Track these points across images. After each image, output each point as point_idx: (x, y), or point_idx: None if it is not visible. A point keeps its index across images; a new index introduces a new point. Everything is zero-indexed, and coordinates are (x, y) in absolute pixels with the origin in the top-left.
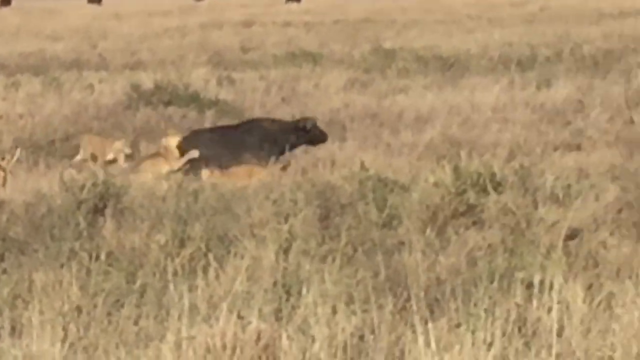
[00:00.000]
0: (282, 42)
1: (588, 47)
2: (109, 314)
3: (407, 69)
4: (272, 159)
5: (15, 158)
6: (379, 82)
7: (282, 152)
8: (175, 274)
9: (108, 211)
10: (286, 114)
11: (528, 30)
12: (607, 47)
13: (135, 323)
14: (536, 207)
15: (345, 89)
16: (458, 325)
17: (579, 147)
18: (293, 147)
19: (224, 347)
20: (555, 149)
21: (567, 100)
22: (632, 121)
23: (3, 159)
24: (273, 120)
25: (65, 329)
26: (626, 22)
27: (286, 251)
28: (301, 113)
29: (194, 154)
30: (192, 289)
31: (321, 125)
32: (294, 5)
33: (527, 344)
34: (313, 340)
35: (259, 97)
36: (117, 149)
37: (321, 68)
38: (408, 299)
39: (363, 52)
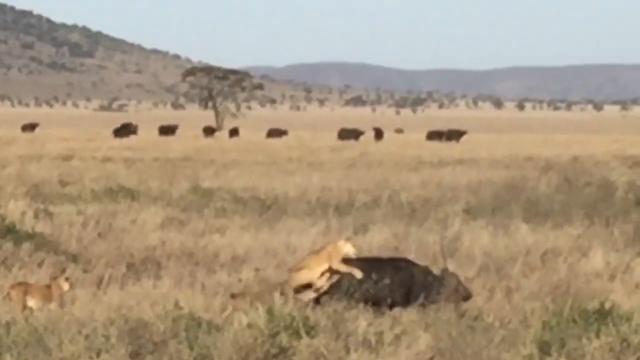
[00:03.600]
0: (101, 177)
1: (406, 194)
2: None
3: (225, 208)
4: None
5: None
6: (196, 221)
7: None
8: None
9: None
10: (102, 249)
11: (347, 175)
12: (425, 195)
13: None
14: (348, 352)
15: (162, 227)
16: None
17: None
18: (428, 297)
19: None
20: None
21: (383, 246)
22: None
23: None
24: (423, 267)
25: None
26: (444, 171)
27: None
28: (117, 249)
29: (357, 273)
30: None
31: (136, 262)
32: (115, 141)
33: None
34: None
35: (76, 232)
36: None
37: (139, 205)
38: None
39: (181, 191)
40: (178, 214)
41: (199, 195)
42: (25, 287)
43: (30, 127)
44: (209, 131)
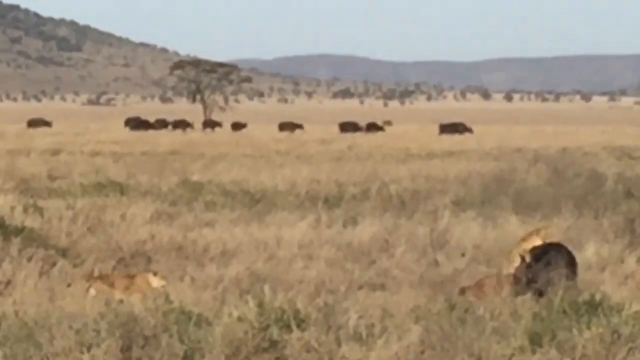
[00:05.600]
0: (89, 171)
1: (395, 186)
2: None
3: (215, 202)
4: None
5: None
6: (185, 214)
7: None
8: None
9: None
10: (91, 244)
11: (336, 168)
12: (414, 188)
13: None
14: (339, 345)
15: (151, 221)
16: None
17: (383, 287)
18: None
19: None
20: (360, 287)
21: (373, 239)
22: (436, 262)
23: None
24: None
25: None
26: (433, 163)
27: None
28: (106, 243)
29: None
30: None
31: (126, 256)
32: (103, 135)
33: None
34: None
35: (65, 226)
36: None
37: (128, 199)
38: None
39: (170, 184)
40: (167, 208)
41: (188, 189)
42: (110, 280)
43: (42, 122)
44: (209, 124)
